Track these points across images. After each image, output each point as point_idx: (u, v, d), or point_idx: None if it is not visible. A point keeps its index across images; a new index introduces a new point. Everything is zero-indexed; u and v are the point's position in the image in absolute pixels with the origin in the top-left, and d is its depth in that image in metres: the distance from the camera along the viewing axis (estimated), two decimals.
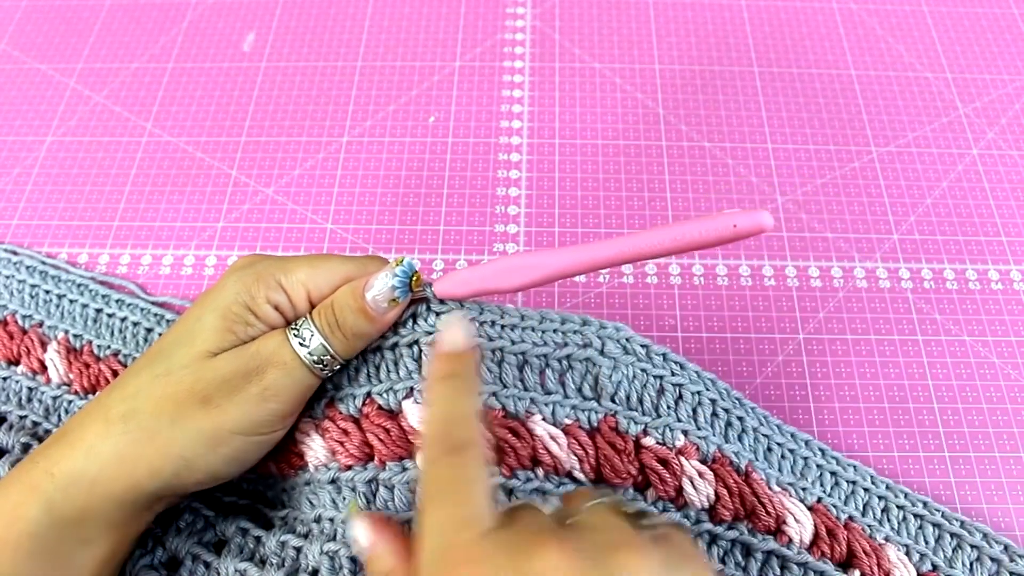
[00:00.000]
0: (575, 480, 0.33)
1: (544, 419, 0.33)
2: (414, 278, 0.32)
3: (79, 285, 0.45)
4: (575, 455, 0.33)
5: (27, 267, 0.46)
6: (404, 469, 0.33)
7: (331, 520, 0.33)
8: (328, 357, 0.32)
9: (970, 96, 0.54)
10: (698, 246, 0.29)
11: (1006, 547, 0.37)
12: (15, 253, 0.47)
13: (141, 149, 0.52)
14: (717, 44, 0.57)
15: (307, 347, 0.31)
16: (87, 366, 0.41)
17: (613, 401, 0.34)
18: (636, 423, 0.34)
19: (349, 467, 0.33)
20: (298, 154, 0.52)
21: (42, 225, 0.49)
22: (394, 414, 0.33)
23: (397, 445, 0.33)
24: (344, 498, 0.33)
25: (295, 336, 0.31)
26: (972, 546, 0.37)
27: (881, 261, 0.47)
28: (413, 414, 0.33)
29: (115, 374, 0.41)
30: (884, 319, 0.45)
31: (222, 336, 0.31)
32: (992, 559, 0.36)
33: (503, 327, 0.33)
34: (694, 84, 0.55)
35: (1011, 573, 0.36)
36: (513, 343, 0.33)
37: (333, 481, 0.33)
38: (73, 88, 0.55)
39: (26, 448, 0.38)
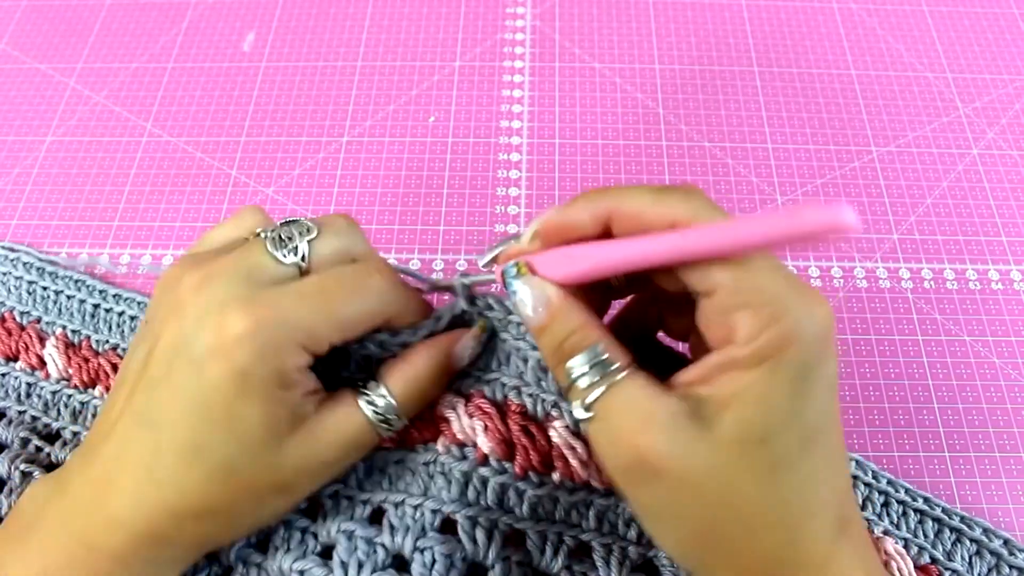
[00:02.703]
0: (592, 489, 0.33)
1: (566, 426, 0.32)
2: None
3: (76, 280, 0.45)
4: (594, 465, 0.32)
5: (24, 263, 0.46)
6: (426, 450, 0.33)
7: (349, 498, 0.33)
8: (394, 418, 0.30)
9: (970, 96, 0.54)
10: (766, 246, 0.23)
11: (1006, 541, 0.37)
12: (12, 250, 0.47)
13: (141, 149, 0.52)
14: (717, 44, 0.57)
15: (375, 409, 0.30)
16: (86, 360, 0.41)
17: None
18: None
19: (385, 448, 0.33)
20: (298, 154, 0.52)
21: (42, 225, 0.49)
22: None
23: (427, 429, 0.33)
24: (369, 476, 0.33)
25: (367, 403, 0.30)
26: (972, 540, 0.37)
27: (881, 261, 0.47)
28: (447, 400, 0.33)
29: (114, 368, 0.41)
30: (884, 319, 0.45)
31: (269, 422, 0.27)
32: (992, 553, 0.37)
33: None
34: (694, 84, 0.55)
35: (1011, 567, 0.36)
36: (534, 348, 0.32)
37: (364, 460, 0.33)
38: (73, 88, 0.55)
39: (25, 443, 0.38)
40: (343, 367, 0.33)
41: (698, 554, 0.25)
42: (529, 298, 0.27)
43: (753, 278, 0.23)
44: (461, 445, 0.32)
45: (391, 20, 0.58)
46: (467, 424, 0.32)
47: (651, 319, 0.33)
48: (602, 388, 0.24)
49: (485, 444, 0.32)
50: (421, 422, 0.33)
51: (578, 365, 0.25)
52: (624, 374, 0.24)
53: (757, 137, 0.52)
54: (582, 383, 0.25)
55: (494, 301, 0.32)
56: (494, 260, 0.30)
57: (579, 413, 0.25)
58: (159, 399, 0.27)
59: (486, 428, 0.32)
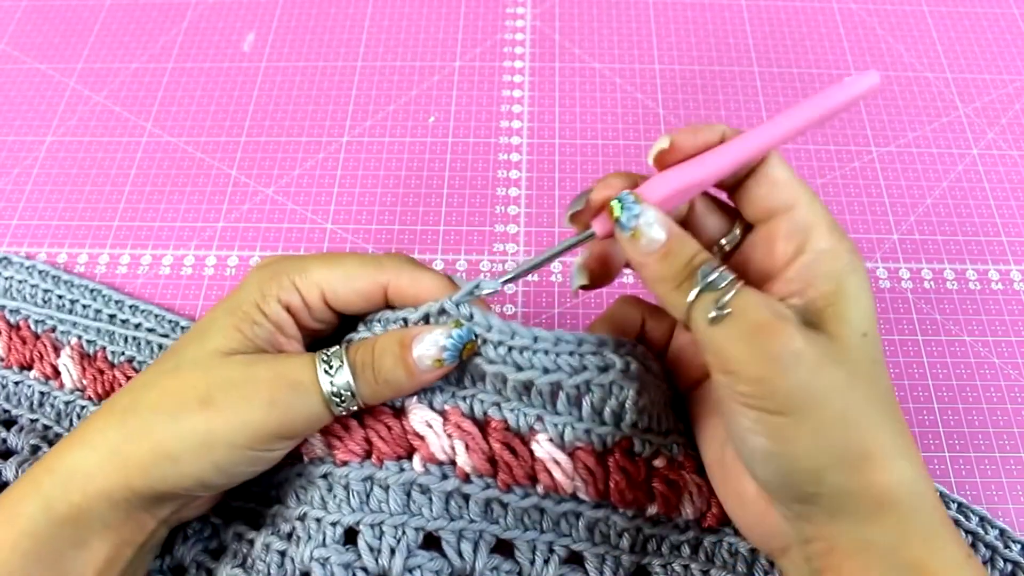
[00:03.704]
0: (580, 501, 0.32)
1: (550, 439, 0.31)
2: (467, 347, 0.30)
3: (92, 290, 0.45)
4: (580, 478, 0.32)
5: (40, 271, 0.46)
6: (401, 470, 0.32)
7: (318, 520, 0.32)
8: (348, 394, 0.30)
9: (970, 96, 0.54)
10: (818, 122, 0.29)
11: (1002, 531, 0.37)
12: (28, 259, 0.47)
13: (141, 149, 0.52)
14: (717, 44, 0.57)
15: (331, 376, 0.29)
16: (101, 372, 0.41)
17: (635, 427, 0.32)
18: (650, 444, 0.32)
19: (345, 463, 0.32)
20: (298, 154, 0.52)
21: (42, 225, 0.49)
22: (398, 412, 0.32)
23: (397, 444, 0.32)
24: (335, 496, 0.32)
25: (323, 362, 0.30)
26: (968, 532, 0.37)
27: (881, 261, 0.47)
28: (418, 415, 0.32)
29: (129, 381, 0.40)
30: (884, 319, 0.45)
31: (230, 334, 0.30)
32: (987, 545, 0.37)
33: (511, 349, 0.30)
34: (694, 84, 0.55)
35: (1005, 560, 0.36)
36: (520, 369, 0.30)
37: (325, 476, 0.32)
38: (73, 88, 0.55)
39: (35, 449, 0.38)
40: None
41: (831, 446, 0.25)
42: (655, 220, 0.28)
43: (817, 207, 0.28)
44: (440, 463, 0.32)
45: (391, 20, 0.58)
46: (446, 444, 0.31)
47: (630, 323, 0.34)
48: (737, 286, 0.26)
49: (467, 463, 0.31)
50: (389, 435, 0.32)
51: (708, 272, 0.27)
52: (743, 282, 0.27)
53: None
54: (717, 284, 0.26)
55: (477, 312, 0.31)
56: (585, 208, 0.30)
57: (714, 313, 0.26)
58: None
59: (468, 448, 0.31)
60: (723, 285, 0.26)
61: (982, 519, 0.37)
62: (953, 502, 0.38)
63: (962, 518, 0.37)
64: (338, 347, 0.30)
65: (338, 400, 0.30)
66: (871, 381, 0.26)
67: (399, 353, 0.30)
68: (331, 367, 0.30)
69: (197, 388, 0.29)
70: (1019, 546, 0.37)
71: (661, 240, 0.27)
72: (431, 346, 0.29)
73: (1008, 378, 0.43)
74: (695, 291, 0.26)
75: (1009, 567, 0.36)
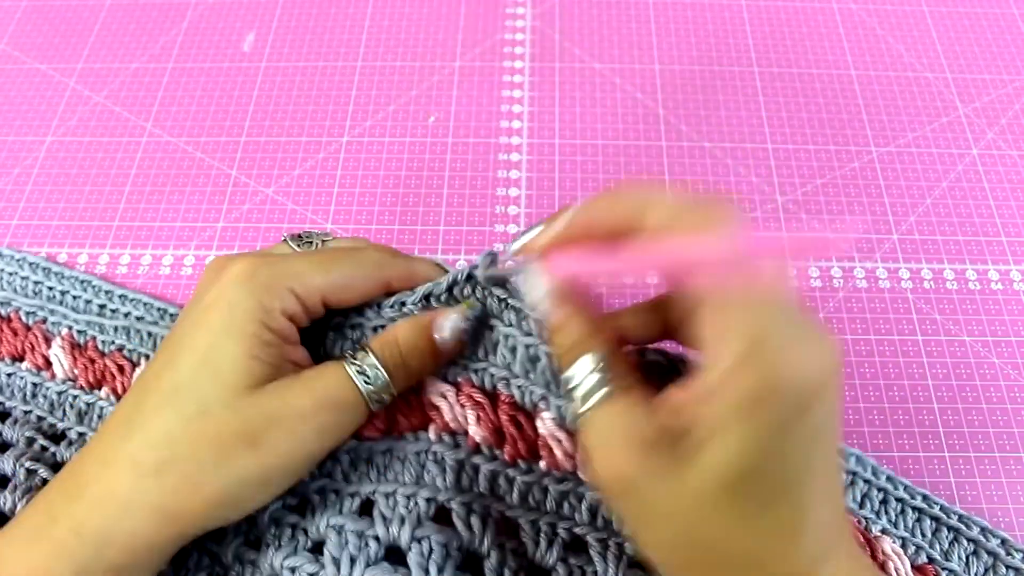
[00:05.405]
0: (579, 480, 0.33)
1: (553, 418, 0.32)
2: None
3: (82, 281, 0.45)
4: (578, 458, 0.32)
5: (30, 263, 0.46)
6: (417, 439, 0.33)
7: (336, 492, 0.32)
8: (387, 395, 0.31)
9: (970, 96, 0.54)
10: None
11: (1003, 540, 0.37)
12: (18, 251, 0.47)
13: (141, 149, 0.52)
14: (717, 44, 0.57)
15: (370, 385, 0.30)
16: (92, 361, 0.41)
17: None
18: None
19: (369, 438, 0.33)
20: (298, 154, 0.52)
21: (42, 225, 0.49)
22: (416, 386, 0.33)
23: (416, 416, 0.33)
24: (356, 469, 0.33)
25: (359, 373, 0.30)
26: (969, 539, 0.37)
27: (881, 261, 0.47)
28: (434, 388, 0.33)
29: (120, 369, 0.41)
30: (884, 319, 0.45)
31: (248, 364, 0.29)
32: (989, 552, 0.37)
33: (526, 317, 0.32)
34: (694, 84, 0.55)
35: (1008, 567, 0.36)
36: (529, 335, 0.32)
37: (348, 451, 0.33)
38: (73, 88, 0.55)
39: (31, 442, 0.38)
40: (337, 347, 0.34)
41: (676, 564, 0.25)
42: (547, 296, 0.28)
43: (736, 306, 0.23)
44: (453, 433, 0.33)
45: (391, 20, 0.58)
46: (459, 413, 0.32)
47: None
48: (593, 400, 0.26)
49: (477, 433, 0.32)
50: (408, 409, 0.33)
51: (577, 374, 0.26)
52: (613, 394, 0.26)
53: (757, 137, 0.52)
54: (578, 392, 0.26)
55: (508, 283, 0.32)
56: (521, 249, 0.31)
57: (569, 417, 0.27)
58: (161, 358, 0.30)
59: (479, 418, 0.32)
60: (590, 386, 0.26)
61: (983, 530, 0.37)
62: (955, 514, 0.38)
63: (963, 527, 0.37)
64: (363, 352, 0.31)
65: (379, 402, 0.31)
66: (723, 535, 0.24)
67: (425, 346, 0.31)
68: (368, 376, 0.30)
69: (238, 432, 0.28)
70: (1021, 555, 0.37)
71: (552, 319, 0.28)
72: (454, 330, 0.31)
73: (1008, 378, 0.43)
74: (566, 385, 0.27)
75: (1012, 573, 0.36)
